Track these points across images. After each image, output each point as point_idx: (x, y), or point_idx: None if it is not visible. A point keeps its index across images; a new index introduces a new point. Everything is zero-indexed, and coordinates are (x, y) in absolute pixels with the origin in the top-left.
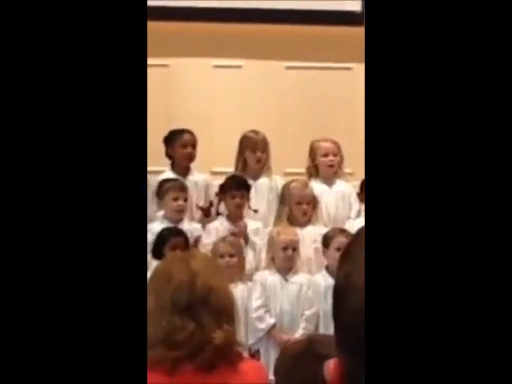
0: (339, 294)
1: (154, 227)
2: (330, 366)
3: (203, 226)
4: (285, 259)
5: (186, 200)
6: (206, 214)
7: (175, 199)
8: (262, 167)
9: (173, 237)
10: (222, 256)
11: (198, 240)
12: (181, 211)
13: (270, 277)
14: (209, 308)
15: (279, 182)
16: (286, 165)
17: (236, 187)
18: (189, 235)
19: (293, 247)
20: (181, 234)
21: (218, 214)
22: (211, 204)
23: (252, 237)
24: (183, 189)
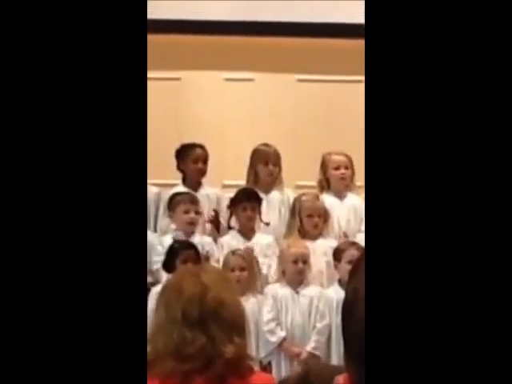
0: (348, 307)
1: (166, 240)
2: (340, 381)
3: (215, 240)
4: (295, 272)
5: (197, 213)
6: (216, 227)
7: (186, 212)
8: (274, 180)
9: (184, 250)
10: (232, 270)
11: (209, 255)
12: (192, 224)
13: (281, 290)
14: (220, 321)
15: (291, 194)
16: (297, 178)
17: (247, 199)
18: (200, 249)
19: (303, 260)
20: (192, 247)
21: (229, 227)
22: (217, 213)
23: (263, 250)
24: (194, 201)
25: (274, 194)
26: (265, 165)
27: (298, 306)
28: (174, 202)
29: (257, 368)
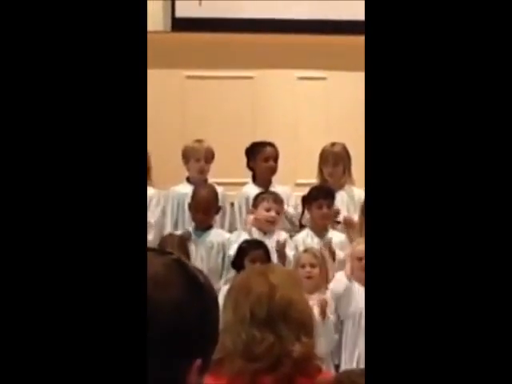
0: None
1: (241, 237)
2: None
3: (290, 237)
4: (362, 269)
5: (278, 213)
6: (283, 259)
7: (268, 210)
8: (338, 180)
9: (253, 249)
10: (303, 266)
11: (284, 245)
12: (271, 223)
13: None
14: (288, 321)
15: (361, 193)
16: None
17: (323, 197)
18: (275, 246)
19: None
20: (261, 246)
21: (301, 225)
22: (283, 245)
23: (336, 249)
24: (277, 201)
25: (343, 193)
26: (333, 165)
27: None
28: (258, 199)
29: (324, 367)
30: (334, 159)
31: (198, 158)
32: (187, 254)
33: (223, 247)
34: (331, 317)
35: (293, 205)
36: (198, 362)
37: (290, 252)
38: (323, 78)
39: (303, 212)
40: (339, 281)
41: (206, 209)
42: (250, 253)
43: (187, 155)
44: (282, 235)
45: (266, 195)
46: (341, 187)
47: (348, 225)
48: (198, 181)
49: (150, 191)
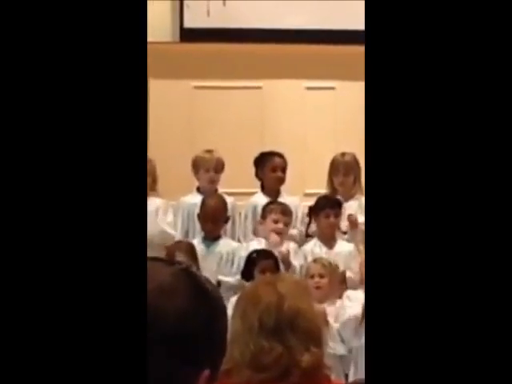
0: None
1: (251, 246)
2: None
3: (299, 247)
4: None
5: (286, 224)
6: (287, 265)
7: (276, 221)
8: (349, 190)
9: (262, 259)
10: (312, 276)
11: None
12: (279, 234)
13: (361, 295)
14: (296, 331)
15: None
16: None
17: (330, 206)
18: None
19: None
20: (271, 256)
21: (307, 235)
22: (287, 254)
23: (345, 258)
24: (285, 213)
25: (352, 203)
26: (343, 175)
27: None
28: (267, 210)
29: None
30: (344, 169)
31: (207, 169)
32: (196, 260)
33: (233, 257)
34: (338, 325)
35: (300, 216)
36: (206, 372)
37: (298, 262)
38: (332, 88)
39: (309, 223)
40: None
41: (214, 218)
42: (260, 263)
43: (197, 165)
44: (290, 246)
45: (275, 206)
46: (351, 197)
47: (352, 224)
48: (208, 191)
49: (156, 201)
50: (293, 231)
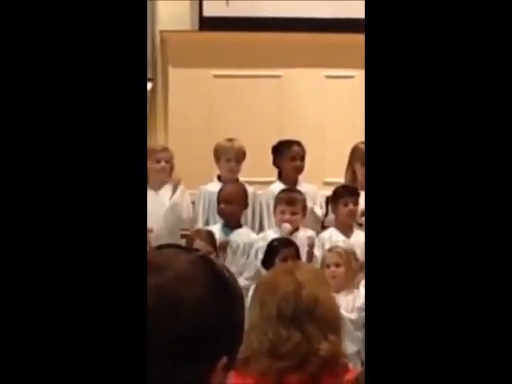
0: None
1: (269, 235)
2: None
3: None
4: None
5: (293, 213)
6: (310, 257)
7: (282, 212)
8: None
9: (283, 248)
10: (328, 266)
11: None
12: (288, 223)
13: None
14: (314, 319)
15: None
16: None
17: (349, 195)
18: (300, 245)
19: None
20: (291, 245)
21: (323, 226)
22: (312, 245)
23: (362, 248)
24: (291, 203)
25: None
26: (362, 165)
27: None
28: (276, 200)
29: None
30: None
31: (228, 159)
32: (215, 248)
33: (249, 249)
34: (355, 314)
35: (319, 204)
36: (224, 359)
37: (316, 251)
38: (351, 77)
39: (327, 213)
40: None
41: (228, 200)
42: (281, 251)
43: (218, 154)
44: (307, 233)
45: (281, 196)
46: None
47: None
48: (229, 180)
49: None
50: (318, 211)
